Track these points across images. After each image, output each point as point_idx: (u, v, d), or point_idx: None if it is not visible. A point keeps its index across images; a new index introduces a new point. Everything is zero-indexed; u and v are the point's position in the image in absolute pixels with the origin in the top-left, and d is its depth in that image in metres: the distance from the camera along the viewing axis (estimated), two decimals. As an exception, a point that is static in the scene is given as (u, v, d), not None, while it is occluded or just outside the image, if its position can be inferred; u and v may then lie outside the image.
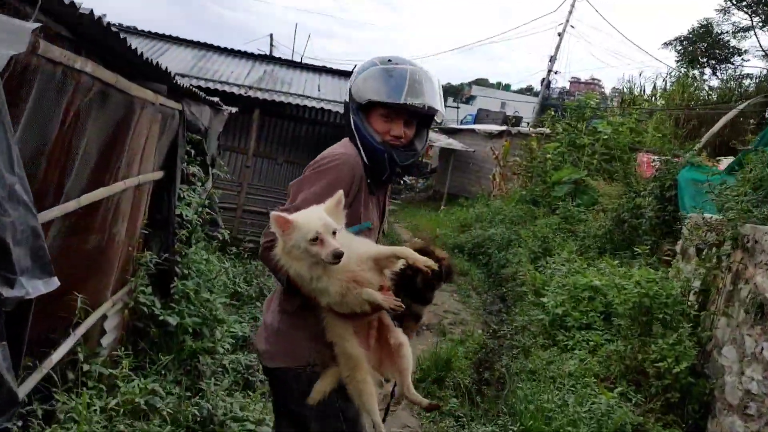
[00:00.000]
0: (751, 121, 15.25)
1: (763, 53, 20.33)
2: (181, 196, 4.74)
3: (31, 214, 1.81)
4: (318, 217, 1.94)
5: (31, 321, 2.13)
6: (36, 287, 1.82)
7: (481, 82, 63.88)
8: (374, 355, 2.21)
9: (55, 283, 1.94)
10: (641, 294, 5.03)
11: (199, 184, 5.23)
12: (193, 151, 4.85)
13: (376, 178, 2.30)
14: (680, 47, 25.82)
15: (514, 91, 62.32)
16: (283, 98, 8.83)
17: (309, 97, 9.25)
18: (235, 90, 8.55)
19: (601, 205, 10.65)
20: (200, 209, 4.96)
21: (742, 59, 24.23)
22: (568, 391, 4.60)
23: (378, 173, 2.28)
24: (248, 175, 8.94)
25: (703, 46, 25.67)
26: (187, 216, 4.62)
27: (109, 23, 2.57)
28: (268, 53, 18.07)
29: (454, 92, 60.20)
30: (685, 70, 20.83)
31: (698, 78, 20.54)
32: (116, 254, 3.78)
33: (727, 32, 23.67)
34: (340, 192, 2.04)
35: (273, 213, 1.93)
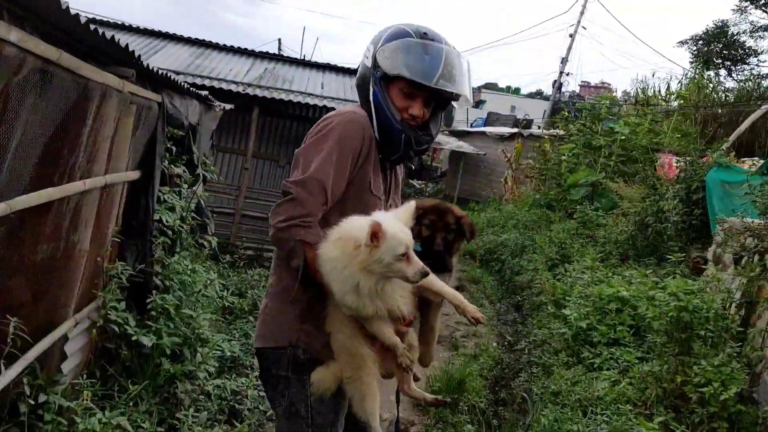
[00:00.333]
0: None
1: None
2: (162, 199, 4.23)
3: None
4: (403, 230, 1.84)
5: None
6: None
7: (491, 86, 63.30)
8: (377, 353, 2.08)
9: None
10: (679, 307, 4.46)
11: (186, 186, 4.71)
12: (174, 149, 4.33)
13: (386, 155, 2.17)
14: (694, 48, 25.26)
15: (524, 95, 61.82)
16: (284, 96, 8.34)
17: (312, 95, 8.76)
18: (233, 87, 8.07)
19: (621, 208, 10.06)
20: (185, 214, 4.44)
21: (758, 60, 23.58)
22: (600, 421, 4.02)
23: (387, 152, 2.15)
24: (247, 177, 8.44)
25: (718, 46, 25.09)
26: (168, 222, 4.10)
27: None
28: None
29: (463, 96, 59.48)
30: (700, 70, 20.24)
31: (713, 79, 19.97)
32: (78, 266, 3.26)
33: (744, 32, 23.05)
34: (413, 204, 1.96)
35: (374, 221, 1.77)
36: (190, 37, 9.69)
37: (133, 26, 9.40)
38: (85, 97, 2.76)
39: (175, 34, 9.53)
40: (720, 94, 17.98)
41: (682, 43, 21.96)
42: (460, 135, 21.76)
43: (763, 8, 22.53)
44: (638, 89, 19.41)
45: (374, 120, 2.10)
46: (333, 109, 9.10)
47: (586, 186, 11.22)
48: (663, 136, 13.49)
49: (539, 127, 24.89)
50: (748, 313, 4.79)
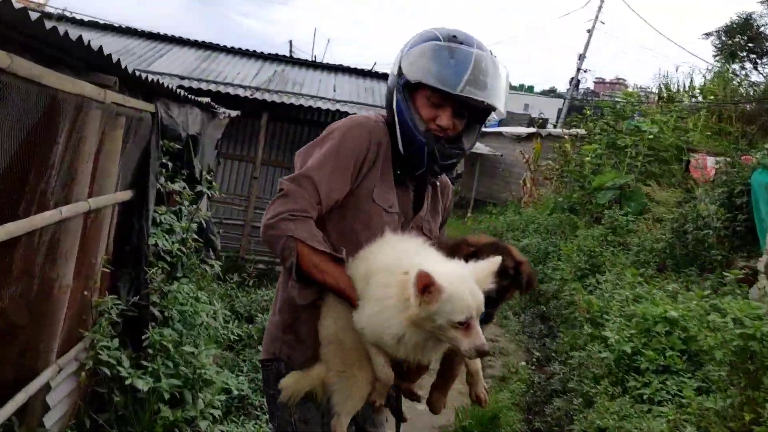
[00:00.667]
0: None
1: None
2: (159, 220, 3.76)
3: None
4: (472, 293, 1.60)
5: None
6: None
7: (503, 85, 62.29)
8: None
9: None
10: (746, 336, 3.92)
11: (186, 204, 4.24)
12: (171, 164, 3.85)
13: (408, 170, 1.99)
14: (718, 41, 24.49)
15: (538, 93, 61.16)
16: (293, 100, 7.87)
17: (323, 98, 8.29)
18: (240, 92, 7.62)
19: (653, 213, 9.49)
20: (185, 235, 3.98)
21: (786, 53, 22.84)
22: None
23: (411, 166, 1.97)
24: (257, 187, 7.97)
25: (743, 39, 24.32)
26: (164, 246, 3.63)
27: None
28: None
29: (475, 95, 58.88)
30: (725, 64, 19.52)
31: (738, 73, 19.26)
32: (59, 304, 2.80)
33: (769, 24, 22.32)
34: (497, 259, 1.72)
35: (420, 271, 1.55)
36: (195, 40, 9.26)
37: (137, 30, 8.99)
38: (53, 111, 2.29)
39: (180, 37, 9.10)
40: (746, 88, 17.30)
41: (708, 35, 21.20)
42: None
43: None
44: (661, 85, 18.76)
45: (398, 131, 1.93)
46: (346, 113, 8.64)
47: (614, 189, 10.63)
48: (691, 135, 12.86)
49: (555, 126, 24.28)
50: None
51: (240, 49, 9.61)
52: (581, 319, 6.31)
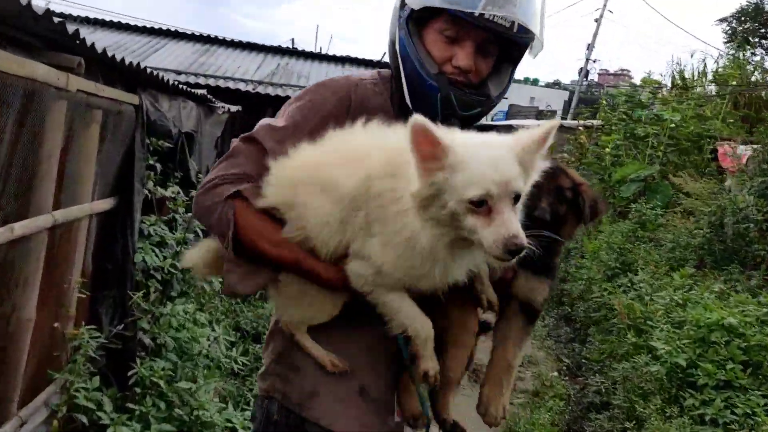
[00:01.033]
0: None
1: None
2: (147, 232, 3.22)
3: None
4: (493, 161, 1.18)
5: None
6: None
7: (507, 78, 61.66)
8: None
9: None
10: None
11: (182, 211, 3.70)
12: (160, 166, 3.30)
13: None
14: (728, 28, 23.92)
15: (542, 85, 60.64)
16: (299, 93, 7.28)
17: (330, 92, 7.69)
18: (242, 86, 7.07)
19: (684, 205, 8.89)
20: (180, 248, 3.43)
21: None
22: None
23: None
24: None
25: (754, 25, 23.75)
26: (154, 263, 3.09)
27: None
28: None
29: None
30: (737, 50, 18.90)
31: (751, 59, 18.65)
32: (17, 343, 2.27)
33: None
34: (555, 122, 1.27)
35: (417, 121, 1.15)
36: (193, 33, 8.70)
37: (131, 24, 8.45)
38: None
39: (176, 30, 8.57)
40: (761, 74, 16.70)
41: (722, 20, 20.56)
42: (485, 129, 20.54)
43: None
44: (674, 72, 18.14)
45: (403, 81, 1.55)
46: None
47: (638, 181, 10.04)
48: (712, 123, 12.26)
49: (564, 118, 23.65)
50: None
51: (240, 41, 9.06)
52: (621, 326, 5.73)
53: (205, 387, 3.02)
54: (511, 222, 1.17)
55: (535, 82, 60.83)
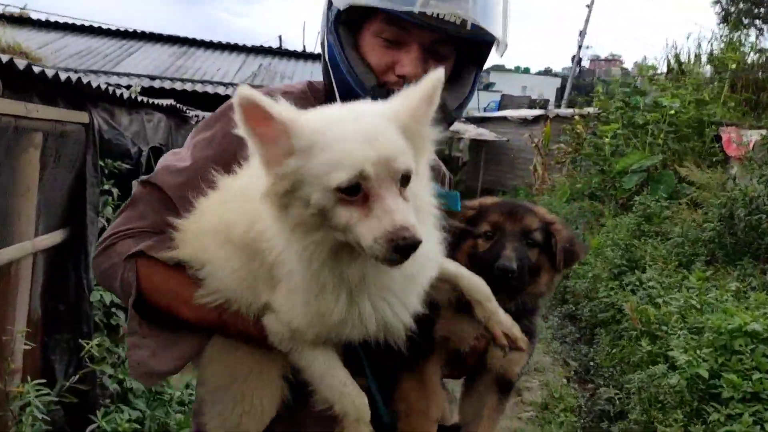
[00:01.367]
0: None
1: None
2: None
3: None
4: (363, 131, 0.96)
5: None
6: None
7: (498, 68, 61.49)
8: None
9: None
10: None
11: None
12: (116, 191, 2.93)
13: None
14: (721, 9, 23.61)
15: (533, 74, 60.40)
16: (282, 96, 6.91)
17: (317, 92, 7.32)
18: (221, 90, 6.69)
19: (691, 197, 8.54)
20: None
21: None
22: None
23: None
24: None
25: (747, 5, 23.47)
26: (115, 300, 2.73)
27: None
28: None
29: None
30: (731, 31, 18.57)
31: (744, 41, 18.34)
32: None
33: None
34: (439, 73, 1.05)
35: (241, 92, 0.94)
36: (170, 36, 8.29)
37: (103, 28, 8.04)
38: None
39: (152, 33, 8.15)
40: (756, 54, 16.37)
41: (716, 2, 20.22)
42: (479, 121, 20.25)
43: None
44: (669, 57, 17.79)
45: (336, 94, 1.33)
46: (343, 106, 7.70)
47: (640, 172, 9.70)
48: (712, 107, 11.92)
49: (559, 106, 23.32)
50: None
51: (220, 42, 8.65)
52: (633, 331, 5.39)
53: (179, 439, 2.67)
54: (395, 210, 0.92)
55: (526, 70, 60.55)
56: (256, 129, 0.94)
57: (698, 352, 4.34)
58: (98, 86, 2.67)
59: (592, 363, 6.49)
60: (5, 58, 1.76)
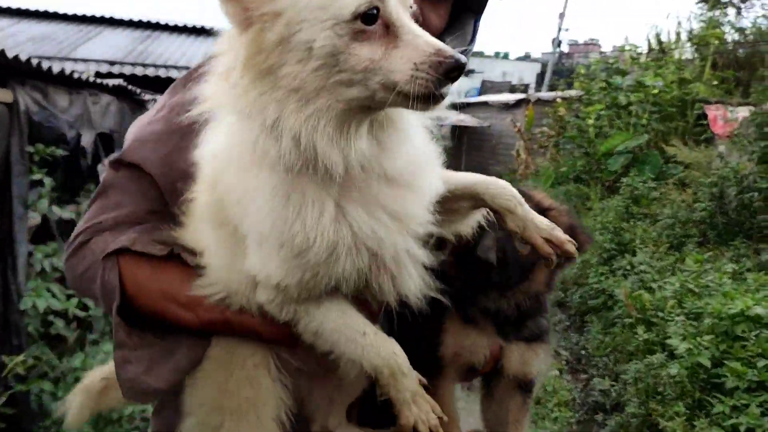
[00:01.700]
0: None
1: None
2: (42, 267, 2.50)
3: None
4: None
5: None
6: None
7: (477, 54, 61.37)
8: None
9: None
10: None
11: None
12: (49, 181, 2.56)
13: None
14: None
15: (514, 60, 60.43)
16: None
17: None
18: (186, 75, 6.27)
19: (680, 177, 8.33)
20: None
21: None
22: None
23: None
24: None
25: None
26: (56, 306, 2.38)
27: None
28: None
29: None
30: (710, 10, 18.46)
31: (723, 19, 18.26)
32: None
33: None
34: None
35: None
36: (131, 20, 7.85)
37: (59, 13, 7.57)
38: None
39: (112, 17, 7.70)
40: (734, 34, 16.28)
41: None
42: (459, 107, 19.95)
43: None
44: (649, 37, 17.63)
45: None
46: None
47: (626, 153, 9.48)
48: (694, 86, 11.75)
49: (538, 91, 23.10)
50: None
51: (185, 26, 8.19)
52: (629, 319, 5.14)
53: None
54: (426, 33, 0.80)
55: (505, 56, 60.37)
56: None
57: (698, 339, 4.09)
58: (28, 60, 2.29)
59: (583, 352, 6.26)
60: (8, 33, 1.39)
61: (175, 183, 1.07)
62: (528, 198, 1.23)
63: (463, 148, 18.55)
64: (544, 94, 17.58)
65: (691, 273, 4.89)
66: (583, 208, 9.47)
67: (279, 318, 1.00)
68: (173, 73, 6.28)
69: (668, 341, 4.29)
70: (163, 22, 8.09)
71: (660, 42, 17.03)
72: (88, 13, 7.61)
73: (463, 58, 0.80)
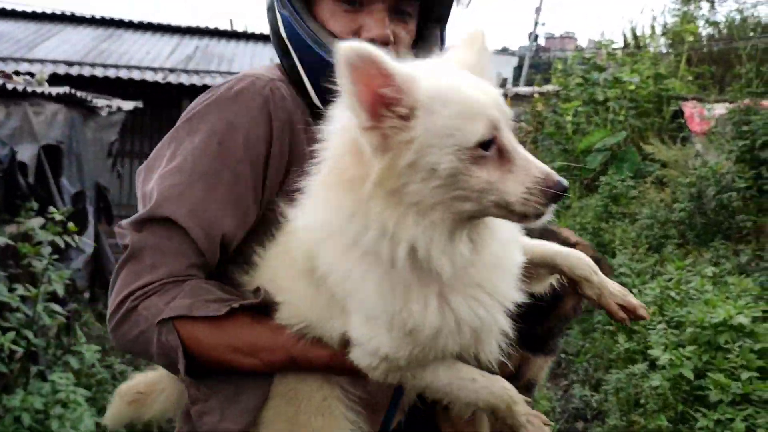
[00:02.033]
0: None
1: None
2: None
3: None
4: (477, 85, 0.94)
5: None
6: None
7: (454, 48, 61.35)
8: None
9: None
10: None
11: (46, 254, 2.75)
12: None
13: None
14: (671, -19, 23.65)
15: (491, 53, 60.68)
16: (219, 80, 6.28)
17: (260, 75, 6.70)
18: (150, 76, 6.02)
19: (653, 174, 8.27)
20: (37, 310, 2.51)
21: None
22: None
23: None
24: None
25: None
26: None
27: None
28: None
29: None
30: (684, 4, 18.55)
31: (697, 13, 18.36)
32: None
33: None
34: (476, 30, 1.10)
35: (346, 48, 0.86)
36: (93, 17, 7.50)
37: (17, 11, 7.22)
38: None
39: (73, 14, 7.35)
40: (708, 28, 16.37)
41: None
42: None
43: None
44: (624, 31, 17.64)
45: (302, 74, 1.21)
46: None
47: (605, 150, 9.41)
48: (670, 81, 11.73)
49: (516, 85, 23.05)
50: None
51: (150, 23, 7.88)
52: (610, 326, 5.03)
53: None
54: (534, 158, 0.91)
55: (483, 49, 60.60)
56: (364, 90, 0.85)
57: (680, 350, 3.98)
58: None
59: (563, 356, 6.16)
60: None
61: (208, 231, 1.12)
62: (555, 234, 1.37)
63: (441, 144, 18.41)
64: (522, 89, 17.49)
65: (671, 279, 4.78)
66: (562, 206, 9.38)
67: (379, 380, 1.09)
68: (135, 74, 6.01)
69: (650, 351, 4.17)
70: (126, 20, 7.78)
71: (636, 37, 17.06)
72: (48, 10, 7.28)
73: (566, 184, 0.92)
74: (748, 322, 3.89)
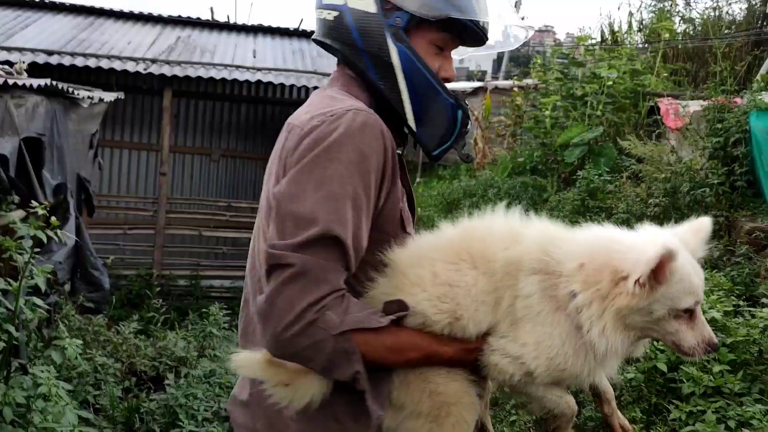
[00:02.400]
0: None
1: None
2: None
3: None
4: (695, 268, 1.32)
5: None
6: None
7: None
8: None
9: None
10: None
11: (26, 248, 2.73)
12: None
13: (427, 151, 1.56)
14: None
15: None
16: (202, 72, 6.30)
17: (241, 67, 6.69)
18: (131, 66, 5.95)
19: (629, 169, 8.41)
20: (18, 305, 2.50)
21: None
22: None
23: (431, 145, 1.51)
24: (166, 184, 6.36)
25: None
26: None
27: None
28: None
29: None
30: (660, 1, 18.76)
31: (673, 9, 18.59)
32: None
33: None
34: (706, 221, 1.45)
35: (667, 247, 1.21)
36: (73, 5, 7.37)
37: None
38: None
39: (53, 2, 7.21)
40: (684, 24, 16.59)
41: (648, -29, 20.26)
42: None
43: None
44: (603, 26, 17.77)
45: (406, 101, 1.40)
46: (270, 83, 6.97)
47: (582, 145, 9.53)
48: (646, 78, 11.89)
49: (495, 78, 23.16)
50: None
51: (132, 12, 7.75)
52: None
53: None
54: (705, 324, 1.33)
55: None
56: (661, 267, 1.23)
57: (654, 343, 4.08)
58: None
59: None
60: None
61: (358, 250, 1.29)
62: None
63: (421, 136, 18.46)
64: (501, 83, 17.62)
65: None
66: (540, 200, 9.49)
67: (499, 382, 1.40)
68: (117, 64, 5.92)
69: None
70: (108, 8, 7.65)
71: (613, 32, 17.23)
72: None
73: (717, 345, 1.36)
74: (720, 317, 4.01)
